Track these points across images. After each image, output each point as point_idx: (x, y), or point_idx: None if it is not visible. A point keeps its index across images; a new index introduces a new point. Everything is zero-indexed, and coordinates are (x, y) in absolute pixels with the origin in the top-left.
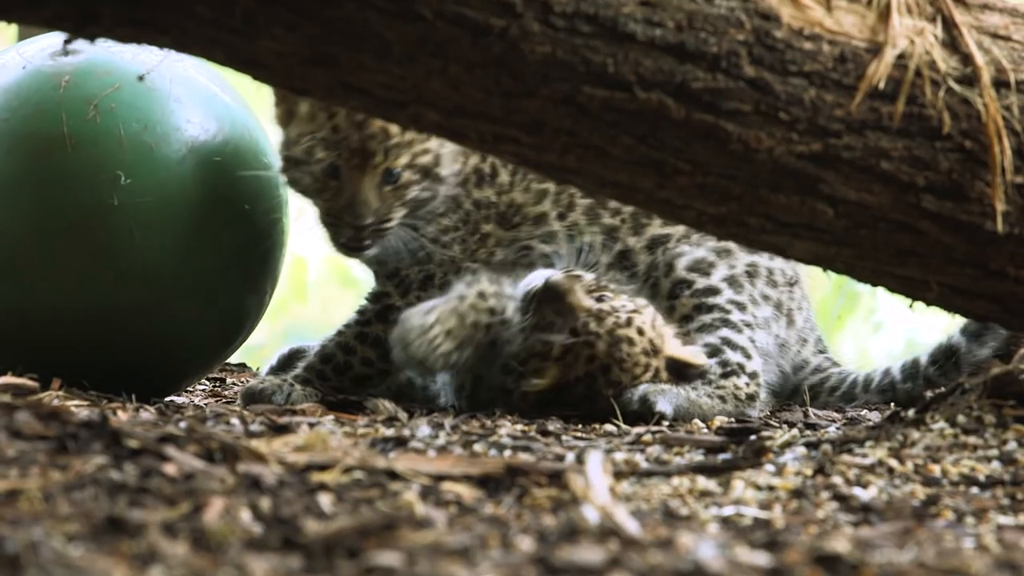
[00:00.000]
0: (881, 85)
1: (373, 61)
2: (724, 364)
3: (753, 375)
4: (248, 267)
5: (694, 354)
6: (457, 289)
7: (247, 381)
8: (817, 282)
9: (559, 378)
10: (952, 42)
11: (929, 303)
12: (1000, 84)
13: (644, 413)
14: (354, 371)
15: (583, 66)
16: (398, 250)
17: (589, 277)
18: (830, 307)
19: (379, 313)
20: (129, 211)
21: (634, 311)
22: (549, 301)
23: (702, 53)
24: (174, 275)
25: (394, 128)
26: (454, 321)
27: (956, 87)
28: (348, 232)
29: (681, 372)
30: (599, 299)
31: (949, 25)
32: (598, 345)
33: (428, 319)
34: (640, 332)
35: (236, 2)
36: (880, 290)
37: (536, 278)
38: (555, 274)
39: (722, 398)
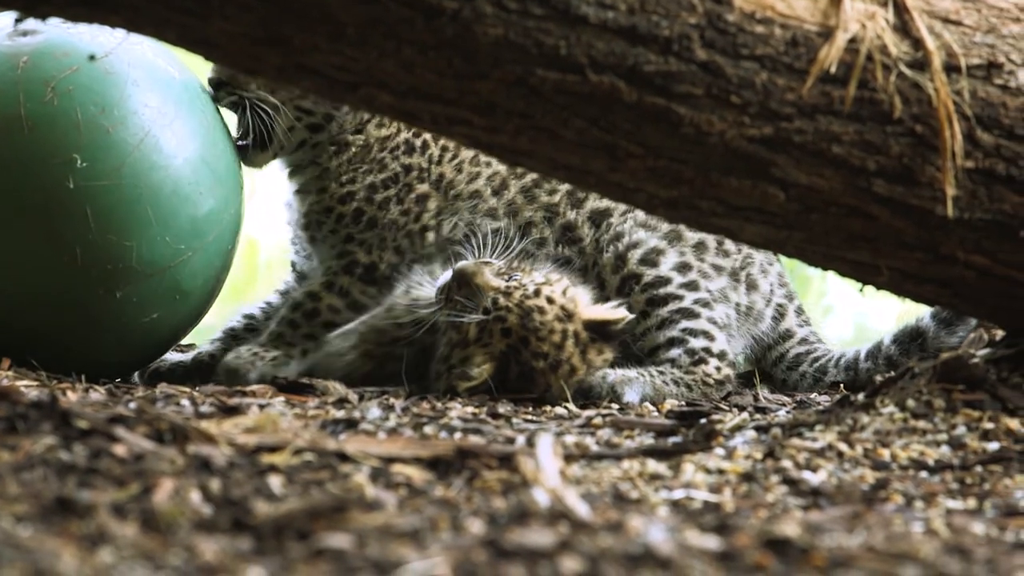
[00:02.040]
0: (832, 69)
1: (326, 42)
2: (691, 353)
3: (721, 355)
4: (203, 250)
5: (610, 311)
6: (372, 310)
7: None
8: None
9: (491, 365)
10: (903, 26)
11: (879, 287)
12: (951, 69)
13: (613, 402)
14: (321, 317)
15: (535, 48)
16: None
17: (498, 263)
18: None
19: (345, 267)
20: (85, 194)
21: (543, 283)
22: (459, 288)
23: (654, 36)
24: (129, 258)
25: None
26: (368, 338)
27: (907, 71)
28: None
29: (603, 331)
30: (508, 279)
31: (900, 9)
32: (509, 318)
33: (343, 344)
34: (550, 300)
35: None
36: (830, 274)
37: (447, 271)
38: (463, 262)
39: (689, 386)
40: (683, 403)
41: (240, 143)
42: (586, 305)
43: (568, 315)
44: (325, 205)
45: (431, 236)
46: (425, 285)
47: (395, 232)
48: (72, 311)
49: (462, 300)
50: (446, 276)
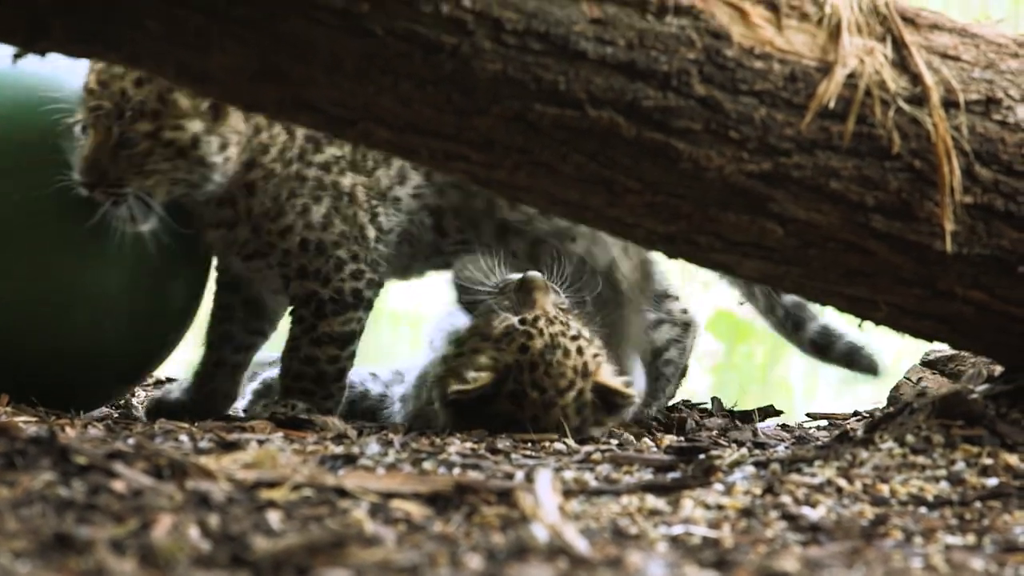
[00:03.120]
0: (831, 104)
1: (323, 77)
2: None
3: None
4: (171, 278)
5: (622, 384)
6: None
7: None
8: None
9: (490, 375)
10: (902, 62)
11: (877, 323)
12: (949, 104)
13: None
14: (329, 373)
15: (534, 84)
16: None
17: (563, 298)
18: None
19: (315, 312)
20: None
21: (583, 337)
22: (520, 290)
23: (653, 71)
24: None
25: (138, 94)
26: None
27: (906, 107)
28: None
29: (608, 400)
30: (560, 312)
31: (899, 45)
32: (536, 339)
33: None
34: (579, 351)
35: (187, 17)
36: (829, 309)
37: (515, 274)
38: (536, 273)
39: None
40: (682, 439)
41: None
42: (607, 372)
43: (585, 373)
44: (265, 242)
45: (371, 232)
46: (481, 272)
47: (349, 244)
48: (41, 340)
49: (512, 301)
50: (515, 275)
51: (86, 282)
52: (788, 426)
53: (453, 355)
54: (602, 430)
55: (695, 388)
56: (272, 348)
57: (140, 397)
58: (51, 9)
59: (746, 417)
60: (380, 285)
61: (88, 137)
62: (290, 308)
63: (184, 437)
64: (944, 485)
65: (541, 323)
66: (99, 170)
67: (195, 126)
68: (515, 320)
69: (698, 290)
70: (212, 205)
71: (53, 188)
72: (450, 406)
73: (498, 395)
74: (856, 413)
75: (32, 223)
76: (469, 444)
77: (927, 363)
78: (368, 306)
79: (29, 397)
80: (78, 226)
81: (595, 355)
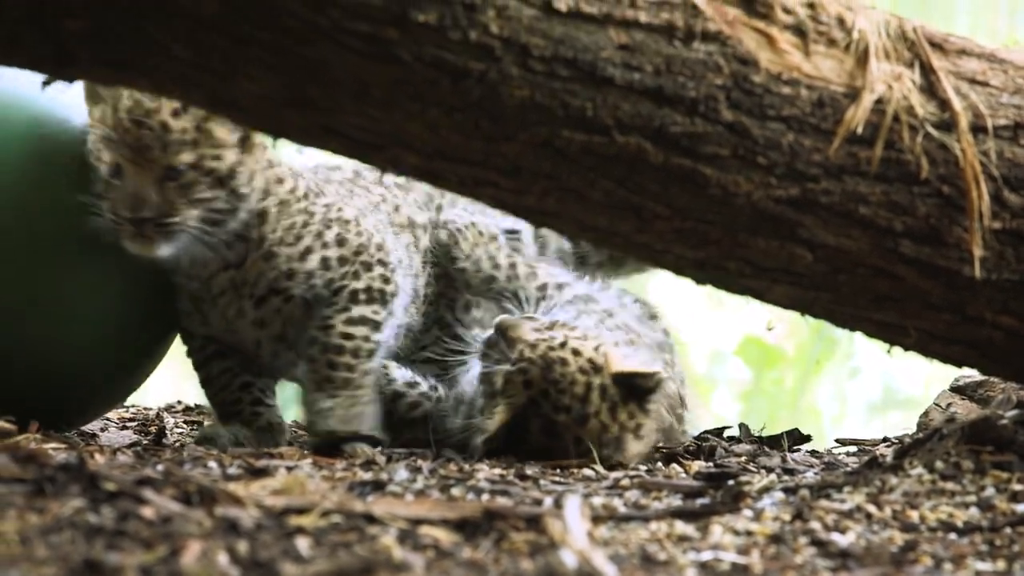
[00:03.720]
0: (859, 130)
1: (351, 103)
2: None
3: None
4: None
5: (640, 365)
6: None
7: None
8: (797, 327)
9: (507, 413)
10: (930, 87)
11: (907, 348)
12: (978, 129)
13: None
14: (363, 350)
15: (562, 110)
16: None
17: (544, 319)
18: (808, 351)
19: (349, 298)
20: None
21: (576, 336)
22: (500, 340)
23: (680, 97)
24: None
25: (178, 125)
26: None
27: (934, 132)
28: (129, 229)
29: (632, 386)
30: (540, 331)
31: (927, 70)
32: (531, 370)
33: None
34: (576, 353)
35: (214, 43)
36: (858, 335)
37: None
38: (504, 316)
39: None
40: (711, 465)
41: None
42: (618, 359)
43: (595, 368)
44: (282, 271)
45: (390, 240)
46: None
47: (367, 251)
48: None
49: (499, 353)
50: (490, 330)
51: (72, 298)
52: (817, 452)
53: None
54: (660, 428)
55: (724, 414)
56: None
57: (169, 423)
58: (79, 36)
59: (775, 443)
60: (395, 295)
61: (126, 174)
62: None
63: (213, 463)
64: (974, 511)
65: (527, 352)
66: (148, 204)
67: (231, 156)
68: (506, 367)
69: (727, 316)
70: (222, 247)
71: (40, 205)
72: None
73: (529, 435)
74: (885, 439)
75: (18, 239)
76: (498, 470)
77: (956, 389)
78: (389, 312)
79: (8, 414)
80: (64, 242)
81: (596, 347)
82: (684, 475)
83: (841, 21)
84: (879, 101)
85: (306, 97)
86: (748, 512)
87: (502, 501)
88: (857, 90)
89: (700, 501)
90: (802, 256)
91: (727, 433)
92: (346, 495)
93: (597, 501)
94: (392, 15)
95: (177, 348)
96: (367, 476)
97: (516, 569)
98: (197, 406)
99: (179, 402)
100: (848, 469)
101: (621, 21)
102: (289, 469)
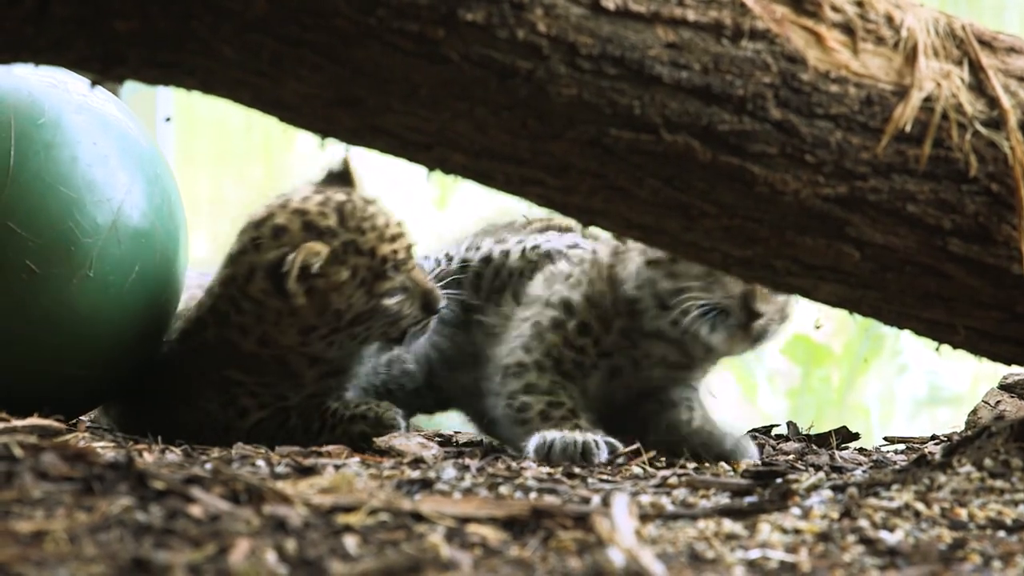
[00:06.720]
0: (907, 128)
1: (399, 103)
2: None
3: None
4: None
5: None
6: None
7: None
8: (844, 324)
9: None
10: (979, 85)
11: (955, 346)
12: None
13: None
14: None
15: (609, 108)
16: None
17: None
18: (856, 349)
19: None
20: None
21: None
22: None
23: (728, 95)
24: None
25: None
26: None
27: (983, 130)
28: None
29: None
30: None
31: (975, 68)
32: None
33: None
34: None
35: (262, 43)
36: (905, 333)
37: None
38: None
39: None
40: (759, 463)
41: None
42: None
43: None
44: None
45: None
46: None
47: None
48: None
49: None
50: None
51: (64, 298)
52: (865, 450)
53: None
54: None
55: (771, 412)
56: None
57: None
58: (127, 37)
59: (823, 441)
60: None
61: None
62: None
63: (261, 462)
64: (1023, 509)
65: None
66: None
67: None
68: None
69: None
70: None
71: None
72: None
73: None
74: (934, 437)
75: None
76: (545, 469)
77: (1005, 387)
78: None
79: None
80: (54, 244)
81: None
82: (732, 473)
83: (890, 19)
84: (928, 99)
85: (354, 97)
86: (796, 510)
87: (550, 499)
88: (905, 88)
89: (748, 499)
90: (850, 254)
91: (775, 431)
92: (394, 493)
93: (645, 499)
94: (440, 14)
95: None
96: (415, 474)
97: (564, 568)
98: None
99: None
100: (896, 467)
101: (669, 19)
102: (337, 467)
